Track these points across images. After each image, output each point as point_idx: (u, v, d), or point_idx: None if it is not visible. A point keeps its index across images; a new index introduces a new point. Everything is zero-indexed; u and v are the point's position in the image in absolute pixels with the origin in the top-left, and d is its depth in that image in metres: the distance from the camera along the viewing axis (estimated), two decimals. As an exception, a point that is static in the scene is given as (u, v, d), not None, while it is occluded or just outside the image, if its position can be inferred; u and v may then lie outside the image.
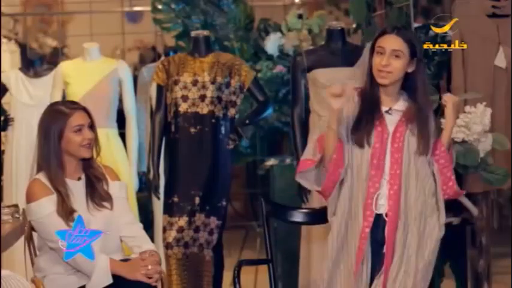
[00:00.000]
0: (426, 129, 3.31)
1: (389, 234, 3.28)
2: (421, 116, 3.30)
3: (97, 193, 3.44)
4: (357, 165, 3.33)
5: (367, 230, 3.29)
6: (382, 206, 3.30)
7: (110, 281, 3.29)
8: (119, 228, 3.46)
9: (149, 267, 3.34)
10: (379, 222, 3.30)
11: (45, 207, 3.33)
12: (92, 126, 3.44)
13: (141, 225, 3.56)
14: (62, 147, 3.39)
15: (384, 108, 3.34)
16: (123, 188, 3.55)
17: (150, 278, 3.33)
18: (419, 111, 3.30)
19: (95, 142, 3.45)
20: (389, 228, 3.28)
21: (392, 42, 3.28)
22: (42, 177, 3.39)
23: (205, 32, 4.70)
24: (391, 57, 3.27)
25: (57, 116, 3.40)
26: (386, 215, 3.29)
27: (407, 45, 3.28)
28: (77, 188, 3.42)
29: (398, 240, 3.27)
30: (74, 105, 3.47)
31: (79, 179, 3.45)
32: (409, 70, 3.31)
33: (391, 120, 3.33)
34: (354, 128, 3.32)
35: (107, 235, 3.37)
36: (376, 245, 3.31)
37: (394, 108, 3.34)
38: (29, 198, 3.38)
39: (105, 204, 3.44)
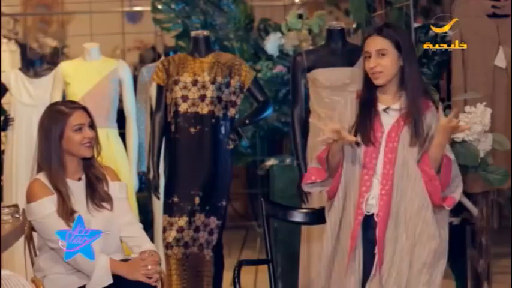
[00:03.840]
0: (419, 121, 3.25)
1: (380, 235, 3.24)
2: (414, 109, 3.26)
3: (97, 194, 3.44)
4: (350, 164, 3.32)
5: (358, 228, 3.27)
6: (373, 206, 3.27)
7: (110, 280, 3.29)
8: (119, 229, 3.46)
9: (149, 267, 3.33)
10: (370, 222, 3.28)
11: (46, 207, 3.33)
12: (92, 126, 3.44)
13: (141, 225, 3.56)
14: (63, 147, 3.39)
15: (381, 107, 3.32)
16: (123, 188, 3.55)
17: (150, 278, 3.33)
18: (412, 105, 3.26)
19: (95, 141, 3.45)
20: (380, 229, 3.24)
21: (374, 43, 3.29)
22: (42, 177, 3.39)
23: (205, 32, 4.70)
24: (377, 57, 3.28)
25: (57, 116, 3.40)
26: (377, 215, 3.27)
27: (390, 41, 3.28)
28: (77, 188, 3.42)
29: (389, 242, 3.24)
30: (74, 105, 3.47)
31: (79, 179, 3.45)
32: (401, 64, 3.31)
33: (388, 120, 3.31)
34: (354, 128, 3.31)
35: (107, 235, 3.37)
36: (369, 245, 3.27)
37: (392, 107, 3.32)
38: (29, 198, 3.38)
39: (105, 205, 3.44)
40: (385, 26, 3.38)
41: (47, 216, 3.32)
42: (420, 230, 3.25)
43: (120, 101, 5.65)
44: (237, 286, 3.49)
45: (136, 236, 3.49)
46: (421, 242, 3.24)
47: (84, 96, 5.37)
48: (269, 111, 4.67)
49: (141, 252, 3.41)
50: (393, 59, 3.28)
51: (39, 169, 3.42)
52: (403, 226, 3.25)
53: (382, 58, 3.27)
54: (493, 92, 4.53)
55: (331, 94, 4.33)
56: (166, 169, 4.60)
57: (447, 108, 4.19)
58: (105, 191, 3.46)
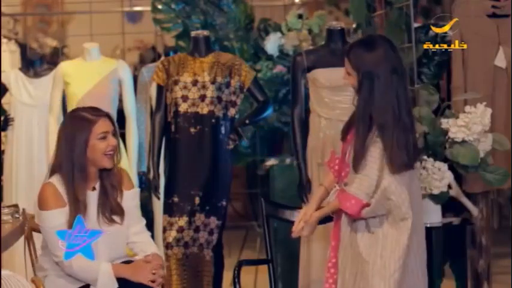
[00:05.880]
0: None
1: None
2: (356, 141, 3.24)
3: (108, 205, 3.36)
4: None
5: None
6: None
7: (116, 286, 3.26)
8: (127, 238, 3.43)
9: (153, 271, 3.31)
10: None
11: (56, 219, 3.27)
12: (114, 134, 3.37)
13: (149, 234, 3.52)
14: (87, 155, 3.30)
15: None
16: (136, 196, 3.51)
17: (153, 281, 3.31)
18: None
19: (116, 150, 3.36)
20: None
21: (345, 63, 3.30)
22: (57, 183, 3.31)
23: (205, 32, 4.70)
24: (346, 75, 3.30)
25: (82, 124, 3.30)
26: None
27: (348, 61, 3.27)
28: (90, 198, 3.34)
29: None
30: (98, 112, 3.36)
31: (93, 188, 3.38)
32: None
33: None
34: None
35: (114, 245, 3.35)
36: None
37: None
38: (41, 205, 3.30)
39: (116, 218, 3.37)
40: (351, 47, 3.32)
41: (56, 227, 3.25)
42: None
43: (120, 101, 5.64)
44: (237, 286, 3.50)
45: (143, 242, 3.47)
46: None
47: (84, 96, 5.37)
48: (269, 111, 4.67)
49: (145, 255, 3.39)
50: (355, 79, 3.26)
51: (52, 173, 3.34)
52: None
53: (349, 77, 3.29)
54: (493, 92, 4.53)
55: (331, 94, 4.33)
56: (166, 169, 4.60)
57: (447, 108, 4.20)
58: (117, 203, 3.39)
